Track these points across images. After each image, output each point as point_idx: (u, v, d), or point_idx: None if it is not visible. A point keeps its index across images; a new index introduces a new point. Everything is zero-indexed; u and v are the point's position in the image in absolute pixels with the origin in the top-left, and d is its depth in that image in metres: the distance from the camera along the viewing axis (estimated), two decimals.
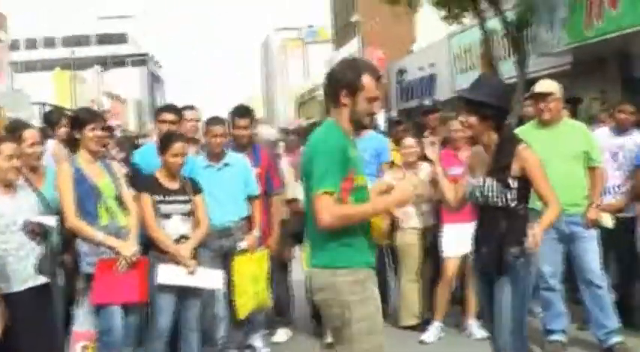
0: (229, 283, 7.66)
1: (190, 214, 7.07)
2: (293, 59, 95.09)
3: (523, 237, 5.33)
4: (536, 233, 5.23)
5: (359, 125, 4.89)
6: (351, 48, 56.69)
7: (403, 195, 4.82)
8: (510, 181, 5.46)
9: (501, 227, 5.47)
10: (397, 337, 8.57)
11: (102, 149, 7.00)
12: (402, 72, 42.57)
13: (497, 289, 5.55)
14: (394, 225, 8.66)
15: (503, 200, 5.46)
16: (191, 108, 8.56)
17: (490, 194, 5.49)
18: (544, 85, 7.59)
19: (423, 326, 8.61)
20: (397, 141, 9.17)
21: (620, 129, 8.55)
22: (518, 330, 5.56)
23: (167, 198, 6.96)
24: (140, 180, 7.19)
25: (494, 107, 5.51)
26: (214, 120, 7.91)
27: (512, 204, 5.47)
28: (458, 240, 8.14)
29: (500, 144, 5.56)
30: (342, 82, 4.80)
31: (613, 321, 7.50)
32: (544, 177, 5.55)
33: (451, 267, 8.33)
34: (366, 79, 4.76)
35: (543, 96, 7.46)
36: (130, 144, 11.62)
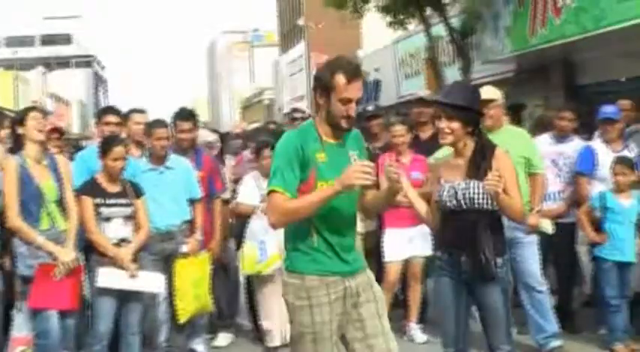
0: (171, 287, 7.62)
1: (131, 217, 7.01)
2: (239, 62, 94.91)
3: (503, 246, 5.55)
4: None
5: (336, 127, 4.65)
6: (297, 52, 56.80)
7: (348, 177, 4.44)
8: None
9: (485, 235, 5.41)
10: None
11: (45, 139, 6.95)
12: None
13: (484, 296, 5.56)
14: None
15: (489, 201, 5.39)
16: (140, 111, 8.49)
17: (476, 196, 5.40)
18: (486, 92, 7.60)
19: None
20: None
21: (561, 136, 8.64)
22: (508, 328, 5.72)
23: (108, 202, 6.91)
24: (81, 183, 7.12)
25: (474, 111, 5.52)
26: (157, 123, 7.85)
27: (496, 208, 5.43)
28: (399, 244, 8.19)
29: (480, 148, 5.51)
30: (316, 81, 4.67)
31: (552, 325, 7.57)
32: (516, 183, 5.58)
33: (393, 271, 8.35)
34: (339, 79, 4.53)
35: (485, 102, 7.47)
36: (72, 146, 11.52)
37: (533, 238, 7.57)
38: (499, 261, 5.45)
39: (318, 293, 4.71)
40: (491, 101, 7.42)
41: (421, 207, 5.68)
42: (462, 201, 5.45)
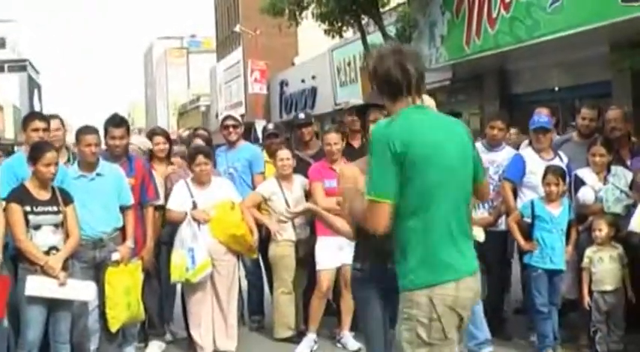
0: (102, 295, 7.54)
1: (61, 225, 6.91)
2: (175, 68, 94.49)
3: None
4: None
5: None
6: (234, 58, 56.69)
7: None
8: None
9: None
10: (273, 349, 8.63)
11: None
12: (284, 84, 42.82)
13: None
14: (268, 238, 8.67)
15: None
16: (55, 117, 8.38)
17: None
18: (423, 100, 7.62)
19: (298, 337, 8.61)
20: (271, 154, 9.16)
21: (492, 145, 8.72)
22: None
23: (37, 209, 6.80)
24: (9, 191, 6.99)
25: None
26: (87, 129, 7.73)
27: None
28: (332, 252, 8.18)
29: None
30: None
31: (484, 333, 7.63)
32: None
33: (325, 279, 8.34)
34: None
35: None
36: (5, 152, 11.35)
37: None
38: None
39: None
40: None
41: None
42: None
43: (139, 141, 9.14)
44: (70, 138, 8.85)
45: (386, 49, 4.46)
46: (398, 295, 5.19)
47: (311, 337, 8.47)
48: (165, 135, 9.36)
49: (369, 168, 4.17)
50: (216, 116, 55.70)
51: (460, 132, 4.46)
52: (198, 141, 9.46)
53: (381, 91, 4.40)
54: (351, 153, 8.46)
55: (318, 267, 8.30)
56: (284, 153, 8.65)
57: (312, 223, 8.62)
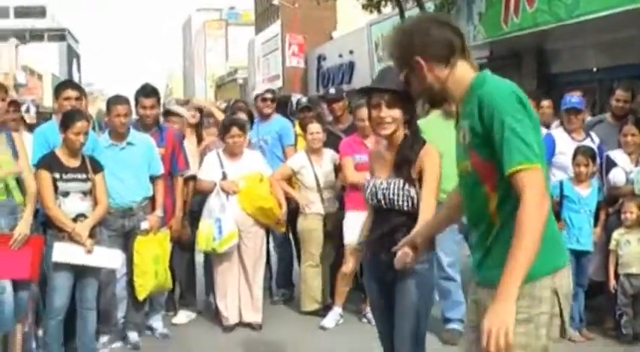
0: (130, 263, 7.61)
1: (89, 193, 6.95)
2: (213, 40, 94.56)
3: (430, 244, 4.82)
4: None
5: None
6: (272, 31, 56.61)
7: None
8: (416, 181, 4.97)
9: (403, 229, 4.84)
10: (299, 322, 8.65)
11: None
12: (321, 58, 42.71)
13: (399, 294, 4.98)
14: (297, 211, 8.69)
15: (410, 203, 4.95)
16: (76, 86, 8.36)
17: (395, 197, 4.96)
18: None
19: (324, 311, 8.65)
20: (304, 127, 9.17)
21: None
22: (418, 336, 5.01)
23: (66, 176, 6.84)
24: (39, 157, 7.05)
25: (412, 98, 4.88)
26: (117, 99, 7.75)
27: (417, 206, 4.93)
28: (360, 226, 8.17)
29: (409, 140, 5.06)
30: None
31: None
32: (436, 183, 5.01)
33: (352, 254, 8.33)
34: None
35: None
36: (44, 120, 11.40)
37: None
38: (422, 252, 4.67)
39: None
40: None
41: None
42: (382, 202, 5.04)
43: (187, 114, 9.16)
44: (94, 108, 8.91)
45: (418, 18, 3.97)
46: (394, 288, 5.01)
47: (337, 311, 8.50)
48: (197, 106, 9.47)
49: (511, 129, 3.31)
50: (254, 89, 55.78)
51: None
52: (241, 115, 9.43)
53: (429, 58, 3.63)
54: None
55: (345, 241, 8.30)
56: (314, 127, 8.66)
57: (340, 197, 8.64)
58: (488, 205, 3.51)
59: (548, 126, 8.84)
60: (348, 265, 8.23)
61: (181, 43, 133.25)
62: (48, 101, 66.25)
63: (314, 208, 8.63)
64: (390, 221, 5.02)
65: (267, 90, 10.12)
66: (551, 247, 3.43)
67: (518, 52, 21.21)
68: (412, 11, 22.21)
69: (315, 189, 8.61)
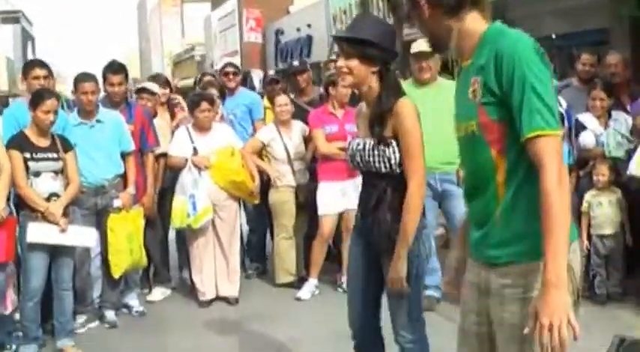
0: (104, 242, 7.57)
1: (61, 172, 6.90)
2: (169, 18, 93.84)
3: None
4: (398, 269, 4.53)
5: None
6: (229, 7, 56.28)
7: None
8: (391, 140, 4.59)
9: (387, 201, 4.60)
10: (274, 295, 8.67)
11: None
12: (279, 32, 42.59)
13: (389, 271, 4.63)
14: (269, 184, 8.69)
15: (387, 165, 4.57)
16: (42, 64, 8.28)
17: (371, 159, 4.61)
18: (420, 44, 7.57)
19: (299, 283, 8.68)
20: (272, 100, 9.16)
21: None
22: (415, 312, 4.78)
23: (36, 156, 6.78)
24: (9, 138, 6.98)
25: (379, 47, 4.58)
26: (84, 77, 7.66)
27: (398, 170, 4.58)
28: (334, 197, 8.21)
29: (382, 95, 4.63)
30: None
31: None
32: (418, 143, 4.60)
33: (327, 225, 8.37)
34: None
35: (426, 55, 7.50)
36: (1, 103, 11.30)
37: None
38: None
39: None
40: (431, 54, 7.42)
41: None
42: (361, 164, 4.73)
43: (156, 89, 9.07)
44: (63, 88, 8.84)
45: None
46: (380, 259, 4.73)
47: (312, 282, 8.53)
48: (166, 81, 9.44)
49: (532, 89, 3.00)
50: (212, 65, 55.42)
51: None
52: (212, 89, 9.35)
53: (434, 4, 3.29)
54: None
55: (319, 212, 8.31)
56: (282, 99, 8.65)
57: (311, 169, 8.66)
58: (495, 172, 3.17)
59: None
60: (323, 232, 8.33)
61: (136, 22, 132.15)
62: (3, 85, 65.52)
63: (285, 180, 8.63)
64: (373, 189, 4.69)
65: (228, 64, 10.10)
66: None
67: None
68: None
69: (285, 161, 8.61)
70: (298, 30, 38.08)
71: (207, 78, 10.38)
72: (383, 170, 4.61)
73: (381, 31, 4.68)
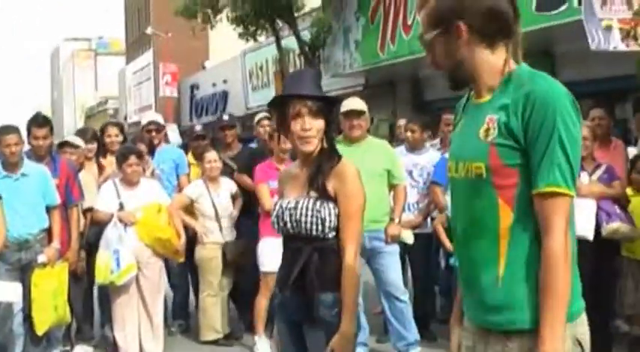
0: (27, 297, 7.42)
1: None
2: (83, 70, 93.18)
3: (337, 280, 4.17)
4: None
5: None
6: (144, 61, 56.19)
7: None
8: (331, 199, 4.23)
9: (311, 266, 4.22)
10: None
11: None
12: (194, 87, 42.71)
13: (311, 343, 4.30)
14: (195, 239, 8.62)
15: (320, 227, 4.19)
16: None
17: (304, 219, 4.21)
18: (358, 103, 7.72)
19: (224, 340, 8.61)
20: (197, 156, 9.14)
21: (413, 148, 8.81)
22: None
23: None
24: None
25: (335, 104, 4.46)
26: (5, 130, 7.56)
27: (330, 235, 4.22)
28: (277, 253, 8.13)
29: (326, 152, 4.35)
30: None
31: (412, 334, 7.71)
32: (360, 207, 4.27)
33: (270, 281, 8.27)
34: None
35: (358, 113, 7.63)
36: None
37: (395, 248, 7.71)
38: (327, 298, 4.19)
39: None
40: (363, 112, 7.61)
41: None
42: (289, 224, 4.29)
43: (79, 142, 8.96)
44: None
45: None
46: (292, 322, 4.38)
47: (263, 338, 8.32)
48: (94, 136, 9.31)
49: (560, 141, 2.77)
50: (125, 119, 55.14)
51: None
52: (140, 145, 9.25)
53: (474, 29, 2.96)
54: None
55: (263, 269, 8.06)
56: (212, 155, 8.63)
57: (238, 226, 8.65)
58: (498, 223, 2.88)
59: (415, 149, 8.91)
60: (269, 288, 8.18)
61: (49, 74, 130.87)
62: None
63: (212, 237, 8.57)
64: (297, 254, 4.28)
65: (151, 122, 10.05)
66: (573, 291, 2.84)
67: (393, 80, 21.60)
68: (288, 39, 22.42)
69: (213, 217, 8.56)
70: (214, 85, 38.25)
71: (110, 128, 10.00)
72: (314, 232, 4.20)
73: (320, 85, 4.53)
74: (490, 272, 2.91)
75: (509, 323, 2.87)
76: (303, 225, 4.21)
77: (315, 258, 4.21)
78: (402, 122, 9.73)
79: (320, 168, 4.27)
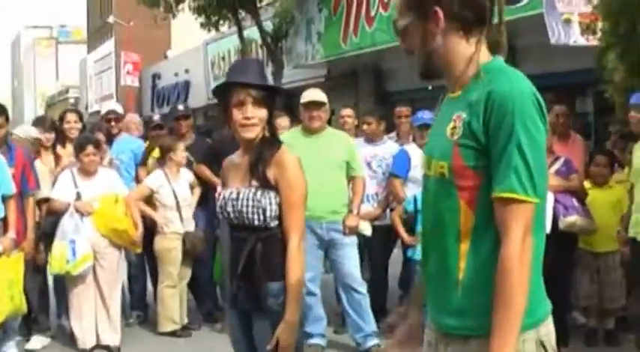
0: None
1: None
2: (44, 59, 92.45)
3: (283, 269, 4.20)
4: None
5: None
6: (106, 50, 55.81)
7: None
8: (272, 188, 4.25)
9: (256, 256, 4.23)
10: (157, 344, 8.56)
11: None
12: (156, 77, 42.49)
13: (257, 332, 4.34)
14: (154, 230, 8.58)
15: (262, 217, 4.21)
16: None
17: (245, 209, 4.23)
18: (318, 94, 7.73)
19: (182, 331, 8.63)
20: (155, 145, 9.10)
21: (372, 139, 8.82)
22: None
23: None
24: None
25: (279, 94, 4.49)
26: None
27: (272, 224, 4.24)
28: None
29: (265, 144, 4.34)
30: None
31: (370, 325, 7.72)
32: (302, 196, 4.30)
33: None
34: None
35: (318, 104, 7.64)
36: None
37: (353, 239, 7.71)
38: (273, 287, 4.23)
39: None
40: (324, 103, 7.62)
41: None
42: (231, 215, 4.32)
43: (22, 132, 8.86)
44: None
45: None
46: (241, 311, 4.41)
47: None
48: (52, 125, 9.21)
49: (518, 145, 2.65)
50: (86, 108, 54.77)
51: None
52: (99, 135, 9.17)
53: (450, 16, 2.84)
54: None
55: None
56: (181, 146, 8.66)
57: (197, 216, 8.64)
58: (459, 224, 2.80)
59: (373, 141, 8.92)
60: None
61: (10, 62, 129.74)
62: None
63: (173, 227, 8.54)
64: (242, 244, 4.29)
65: (111, 111, 10.00)
66: (533, 296, 2.73)
67: (356, 71, 21.60)
68: (250, 29, 22.35)
69: (174, 207, 8.54)
70: (176, 75, 38.07)
71: (69, 114, 9.90)
72: (256, 222, 4.23)
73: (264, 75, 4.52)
74: (450, 275, 2.82)
75: (467, 329, 2.79)
76: (245, 215, 4.24)
77: (259, 248, 4.23)
78: (345, 112, 9.65)
79: (261, 156, 4.28)
